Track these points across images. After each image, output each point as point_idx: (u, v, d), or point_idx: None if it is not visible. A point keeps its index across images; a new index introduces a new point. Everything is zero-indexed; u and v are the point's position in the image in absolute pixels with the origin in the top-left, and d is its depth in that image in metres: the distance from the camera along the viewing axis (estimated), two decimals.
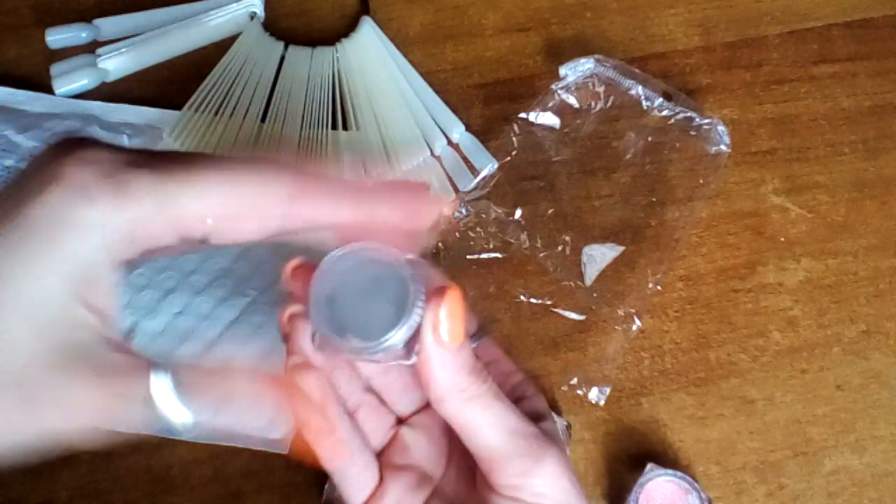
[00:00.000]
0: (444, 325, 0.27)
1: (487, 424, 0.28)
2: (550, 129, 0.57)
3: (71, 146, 0.22)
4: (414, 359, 0.28)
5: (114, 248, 0.22)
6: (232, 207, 0.23)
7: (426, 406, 0.33)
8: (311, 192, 0.25)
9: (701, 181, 0.56)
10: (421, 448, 0.32)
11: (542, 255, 0.53)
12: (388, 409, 0.33)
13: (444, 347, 0.27)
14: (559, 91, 0.57)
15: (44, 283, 0.21)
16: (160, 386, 0.23)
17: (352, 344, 0.27)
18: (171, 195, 0.22)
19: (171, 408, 0.24)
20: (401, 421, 0.33)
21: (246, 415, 0.26)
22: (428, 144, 0.57)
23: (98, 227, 0.21)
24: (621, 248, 0.54)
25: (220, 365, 0.26)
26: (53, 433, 0.23)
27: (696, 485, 0.46)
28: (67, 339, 0.22)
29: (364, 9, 0.63)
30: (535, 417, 0.30)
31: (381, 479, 0.31)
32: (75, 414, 0.23)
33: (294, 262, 0.28)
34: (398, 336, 0.27)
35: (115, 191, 0.21)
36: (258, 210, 0.24)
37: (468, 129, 0.58)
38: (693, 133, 0.56)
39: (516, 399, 0.31)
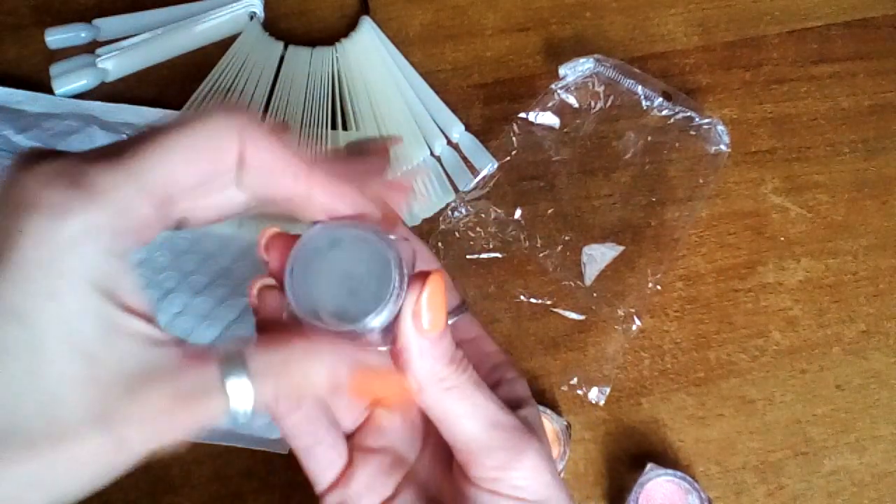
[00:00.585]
0: (424, 312, 0.26)
1: (466, 415, 0.27)
2: (550, 128, 0.57)
3: (26, 164, 0.21)
4: (390, 346, 0.27)
5: (112, 246, 0.21)
6: (195, 161, 0.22)
7: None
8: (263, 134, 0.23)
9: (701, 181, 0.56)
10: (395, 430, 0.31)
11: (542, 255, 0.53)
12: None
13: (424, 335, 0.26)
14: (559, 91, 0.57)
15: (71, 308, 0.20)
16: (236, 383, 0.22)
17: (325, 324, 0.25)
18: (135, 173, 0.21)
19: (245, 400, 0.23)
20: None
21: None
22: (428, 144, 0.57)
23: (87, 235, 0.20)
24: (621, 248, 0.54)
25: (299, 348, 0.25)
26: (142, 454, 0.22)
27: (696, 485, 0.46)
28: (122, 356, 0.21)
29: (364, 9, 0.63)
30: (516, 403, 0.30)
31: (352, 460, 0.30)
32: (159, 429, 0.22)
33: (271, 230, 0.27)
34: (376, 321, 0.26)
35: (86, 194, 0.20)
36: (215, 151, 0.23)
37: (468, 128, 0.58)
38: (693, 133, 0.56)
39: (496, 382, 0.30)
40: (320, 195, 0.25)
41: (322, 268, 0.26)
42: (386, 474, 0.30)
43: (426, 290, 0.26)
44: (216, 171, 0.23)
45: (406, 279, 0.26)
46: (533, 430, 0.28)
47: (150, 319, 0.22)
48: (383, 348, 0.27)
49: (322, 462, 0.30)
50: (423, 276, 0.26)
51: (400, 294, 0.26)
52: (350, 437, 0.31)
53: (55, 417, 0.20)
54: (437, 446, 0.30)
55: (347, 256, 0.26)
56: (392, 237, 0.26)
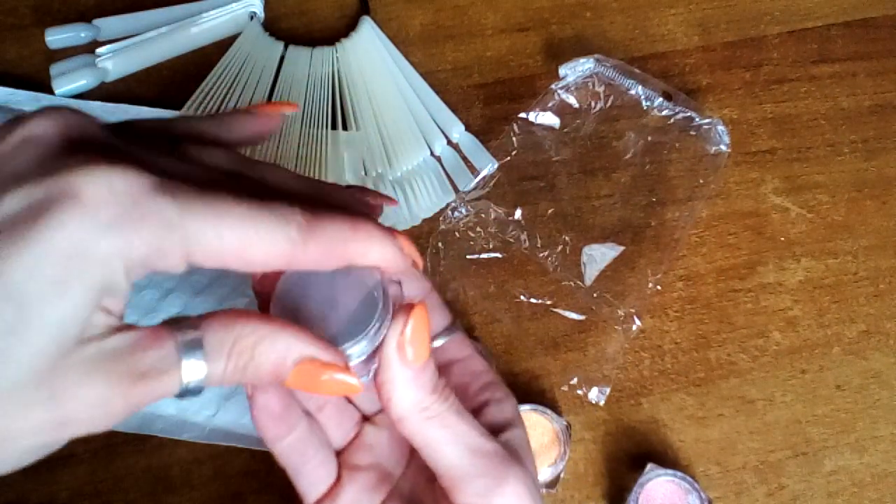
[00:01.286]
0: (408, 344, 0.26)
1: (447, 443, 0.27)
2: (550, 129, 0.57)
3: (81, 153, 0.22)
4: (369, 377, 0.27)
5: (132, 272, 0.22)
6: (244, 246, 0.23)
7: None
8: (319, 236, 0.24)
9: (701, 181, 0.56)
10: (382, 447, 0.32)
11: (542, 255, 0.53)
12: (353, 407, 0.33)
13: (408, 366, 0.27)
14: (559, 91, 0.57)
15: (71, 311, 0.21)
16: (191, 361, 0.23)
17: None
18: (190, 229, 0.22)
19: (198, 378, 0.23)
20: (366, 418, 0.33)
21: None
22: (428, 144, 0.57)
23: (118, 256, 0.21)
24: (621, 248, 0.54)
25: (250, 328, 0.25)
26: (83, 433, 0.22)
27: (696, 485, 0.46)
28: (86, 346, 0.22)
29: (364, 9, 0.63)
30: (502, 426, 0.30)
31: (340, 477, 0.31)
32: (108, 408, 0.22)
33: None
34: (356, 349, 0.26)
35: (139, 221, 0.21)
36: (268, 250, 0.24)
37: (468, 129, 0.58)
38: (693, 133, 0.56)
39: (484, 403, 0.31)
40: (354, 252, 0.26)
41: (308, 297, 0.27)
42: (372, 490, 0.31)
43: (410, 322, 0.26)
44: (253, 264, 0.24)
45: (390, 311, 0.27)
46: (517, 455, 0.29)
47: (109, 311, 0.23)
48: (363, 379, 0.27)
49: (311, 479, 0.31)
50: (408, 308, 0.27)
51: (382, 325, 0.27)
52: (340, 453, 0.32)
53: (8, 392, 0.21)
54: (421, 462, 0.30)
55: (334, 288, 0.27)
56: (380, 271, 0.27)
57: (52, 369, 0.21)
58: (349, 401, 0.32)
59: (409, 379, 0.27)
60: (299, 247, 0.24)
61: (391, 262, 0.26)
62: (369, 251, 0.26)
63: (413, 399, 0.27)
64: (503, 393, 0.31)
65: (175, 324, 0.24)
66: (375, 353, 0.27)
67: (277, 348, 0.25)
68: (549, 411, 0.48)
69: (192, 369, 0.23)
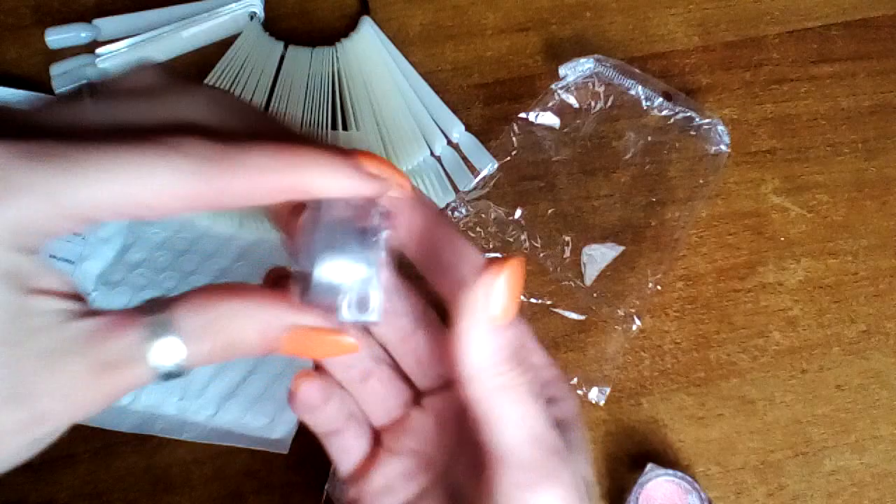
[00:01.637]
0: (499, 295, 0.23)
1: (513, 423, 0.25)
2: (550, 129, 0.57)
3: None
4: (370, 316, 0.24)
5: (15, 242, 0.21)
6: (129, 194, 0.21)
7: (444, 389, 0.30)
8: (233, 166, 0.21)
9: (701, 181, 0.56)
10: (427, 432, 0.29)
11: (542, 255, 0.53)
12: (402, 385, 0.30)
13: (492, 322, 0.24)
14: (559, 91, 0.57)
15: None
16: (164, 346, 0.22)
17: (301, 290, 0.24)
18: (59, 187, 0.20)
19: (173, 362, 0.22)
20: (417, 399, 0.30)
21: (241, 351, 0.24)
22: (428, 144, 0.57)
23: None
24: (621, 248, 0.54)
25: (226, 306, 0.23)
26: (67, 423, 0.22)
27: (696, 485, 0.46)
28: (35, 334, 0.21)
29: (364, 9, 0.63)
30: (563, 426, 0.27)
31: (376, 457, 0.29)
32: (81, 400, 0.22)
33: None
34: (345, 300, 0.24)
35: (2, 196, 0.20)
36: (169, 191, 0.21)
37: (468, 129, 0.58)
38: (693, 133, 0.56)
39: (546, 400, 0.27)
40: (313, 176, 0.23)
41: (313, 239, 0.24)
42: (410, 476, 0.29)
43: (504, 272, 0.24)
44: (154, 211, 0.21)
45: (378, 250, 0.24)
46: (573, 456, 0.26)
47: (70, 296, 0.22)
48: (374, 316, 0.24)
49: (343, 447, 0.29)
50: (503, 260, 0.24)
51: (371, 266, 0.24)
52: (380, 432, 0.30)
53: None
54: (468, 456, 0.28)
55: (333, 227, 0.24)
56: (380, 212, 0.25)
57: (4, 365, 0.20)
58: (399, 377, 0.30)
59: (490, 333, 0.24)
60: (208, 181, 0.21)
61: (348, 188, 0.23)
62: (311, 179, 0.23)
63: (490, 358, 0.24)
64: (565, 391, 0.29)
65: (147, 307, 0.23)
66: (368, 298, 0.24)
67: (259, 322, 0.23)
68: None
69: (167, 353, 0.22)
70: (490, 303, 0.24)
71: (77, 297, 0.22)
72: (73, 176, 0.20)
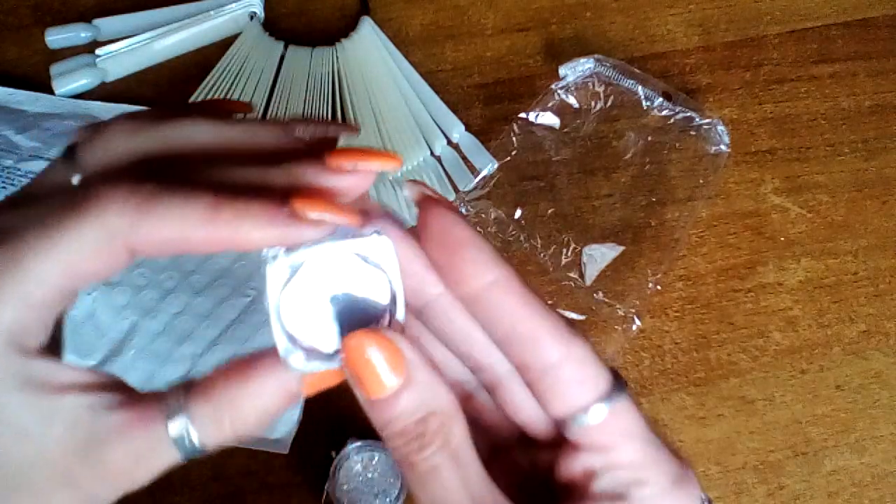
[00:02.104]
0: (354, 381, 0.23)
1: (421, 496, 0.23)
2: (550, 129, 0.57)
3: None
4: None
5: (16, 342, 0.22)
6: (72, 266, 0.22)
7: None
8: (153, 214, 0.22)
9: (701, 181, 0.56)
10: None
11: (542, 255, 0.53)
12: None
13: (369, 395, 0.23)
14: (559, 91, 0.57)
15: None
16: (182, 437, 0.23)
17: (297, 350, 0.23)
18: (13, 296, 0.21)
19: (195, 446, 0.24)
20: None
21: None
22: (428, 144, 0.57)
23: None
24: (621, 248, 0.54)
25: (238, 384, 0.24)
26: (110, 498, 0.24)
27: None
28: (68, 430, 0.23)
29: (364, 9, 0.63)
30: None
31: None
32: (121, 483, 0.23)
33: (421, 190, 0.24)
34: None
35: None
36: (100, 256, 0.22)
37: (468, 129, 0.58)
38: (693, 133, 0.56)
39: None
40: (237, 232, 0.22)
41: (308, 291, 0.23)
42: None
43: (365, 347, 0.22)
44: (101, 272, 0.22)
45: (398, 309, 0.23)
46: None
47: (96, 388, 0.23)
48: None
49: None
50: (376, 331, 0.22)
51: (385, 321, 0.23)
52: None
53: (26, 486, 0.22)
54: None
55: (332, 274, 0.23)
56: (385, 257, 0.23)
57: (43, 457, 0.22)
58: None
59: (373, 406, 0.23)
60: (130, 236, 0.22)
61: (277, 239, 0.22)
62: (242, 235, 0.22)
63: (383, 431, 0.23)
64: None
65: (165, 398, 0.23)
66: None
67: (278, 389, 0.24)
68: None
69: (189, 445, 0.24)
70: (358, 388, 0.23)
71: (104, 386, 0.23)
72: (22, 279, 0.21)
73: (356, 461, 0.47)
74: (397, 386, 0.22)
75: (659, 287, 0.53)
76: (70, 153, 0.24)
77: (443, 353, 0.26)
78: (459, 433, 0.23)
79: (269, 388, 0.24)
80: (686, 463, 0.24)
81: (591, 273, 0.53)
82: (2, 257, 0.22)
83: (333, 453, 0.47)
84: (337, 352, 0.23)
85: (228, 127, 0.25)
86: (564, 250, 0.54)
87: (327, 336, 0.23)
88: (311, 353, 0.23)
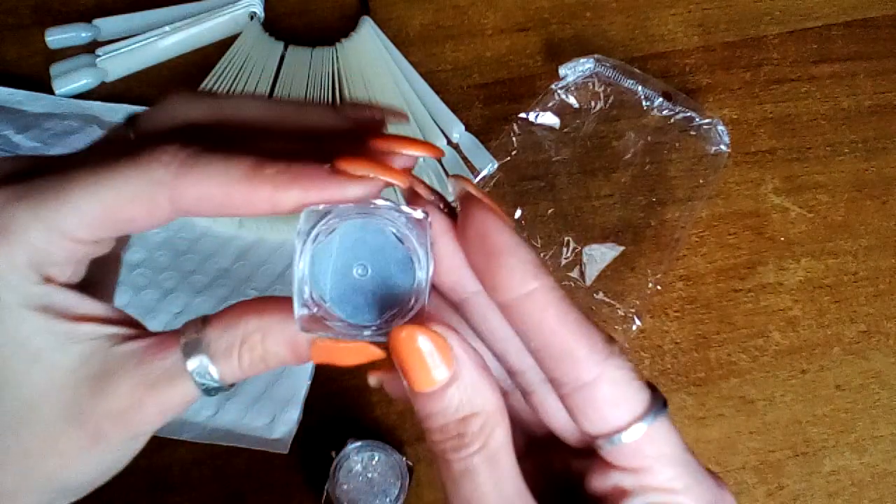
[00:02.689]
0: (401, 367, 0.22)
1: (454, 494, 0.22)
2: (550, 129, 0.57)
3: None
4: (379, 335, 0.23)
5: (39, 275, 0.22)
6: (113, 207, 0.22)
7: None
8: (198, 168, 0.22)
9: (701, 181, 0.56)
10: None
11: (542, 255, 0.53)
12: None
13: (413, 393, 0.23)
14: (559, 91, 0.57)
15: (16, 329, 0.22)
16: (199, 365, 0.23)
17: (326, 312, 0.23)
18: (48, 221, 0.22)
19: (211, 380, 0.23)
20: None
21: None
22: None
23: (12, 271, 0.22)
24: (621, 248, 0.54)
25: (254, 323, 0.23)
26: (123, 442, 0.24)
27: None
28: (83, 359, 0.23)
29: (364, 9, 0.63)
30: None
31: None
32: (132, 419, 0.23)
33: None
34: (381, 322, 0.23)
35: (2, 237, 0.22)
36: (141, 202, 0.22)
37: (468, 129, 0.58)
38: (693, 133, 0.56)
39: None
40: (277, 193, 0.22)
41: (335, 253, 0.23)
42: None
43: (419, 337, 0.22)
44: (139, 220, 0.23)
45: (411, 258, 0.23)
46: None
47: (115, 322, 0.23)
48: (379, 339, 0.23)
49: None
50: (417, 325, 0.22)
51: (415, 300, 0.23)
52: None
53: (34, 420, 0.22)
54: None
55: (363, 244, 0.23)
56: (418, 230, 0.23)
57: (53, 388, 0.22)
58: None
59: (417, 401, 0.22)
60: (174, 187, 0.22)
61: (321, 198, 0.22)
62: (283, 192, 0.22)
63: (426, 427, 0.23)
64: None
65: (184, 328, 0.24)
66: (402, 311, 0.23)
67: (287, 336, 0.23)
68: None
69: (204, 373, 0.23)
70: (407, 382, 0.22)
71: (124, 322, 0.24)
72: (62, 205, 0.22)
73: (356, 461, 0.47)
74: (444, 381, 0.22)
75: (659, 287, 0.53)
76: (131, 120, 0.25)
77: (481, 349, 0.25)
78: (500, 436, 0.22)
79: (280, 333, 0.23)
80: (722, 484, 0.23)
81: (591, 273, 0.53)
82: (49, 187, 0.22)
83: (333, 453, 0.47)
84: (354, 325, 0.23)
85: (279, 104, 0.26)
86: (564, 250, 0.54)
87: (348, 304, 0.23)
88: (327, 318, 0.23)
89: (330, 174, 0.22)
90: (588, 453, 0.24)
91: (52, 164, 0.23)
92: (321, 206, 0.22)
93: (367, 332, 0.23)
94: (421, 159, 0.57)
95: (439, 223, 0.23)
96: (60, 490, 0.24)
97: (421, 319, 0.22)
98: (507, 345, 0.24)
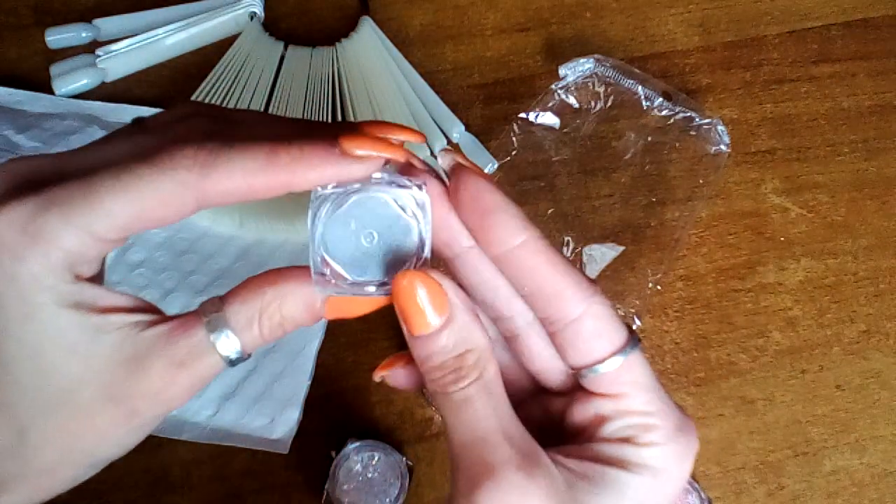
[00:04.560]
0: (403, 310, 0.25)
1: (455, 426, 0.25)
2: (550, 129, 0.57)
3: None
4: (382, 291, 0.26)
5: (69, 274, 0.24)
6: (143, 210, 0.24)
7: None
8: (219, 166, 0.24)
9: (701, 181, 0.56)
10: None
11: None
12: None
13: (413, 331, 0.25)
14: (559, 91, 0.57)
15: (49, 325, 0.24)
16: (223, 339, 0.25)
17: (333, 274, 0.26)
18: (80, 226, 0.23)
19: (234, 351, 0.25)
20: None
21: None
22: (428, 144, 0.57)
23: (46, 272, 0.24)
24: (621, 248, 0.54)
25: (270, 293, 0.25)
26: (155, 417, 0.26)
27: (695, 485, 0.46)
28: (115, 347, 0.24)
29: (364, 9, 0.63)
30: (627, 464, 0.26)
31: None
32: (165, 395, 0.25)
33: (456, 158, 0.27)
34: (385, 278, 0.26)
35: (33, 242, 0.23)
36: (170, 203, 0.24)
37: (468, 129, 0.58)
38: (693, 133, 0.56)
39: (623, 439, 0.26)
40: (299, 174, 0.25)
41: (344, 217, 0.26)
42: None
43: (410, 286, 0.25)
44: (167, 219, 0.24)
45: (426, 243, 0.26)
46: (546, 462, 0.24)
47: (139, 310, 0.25)
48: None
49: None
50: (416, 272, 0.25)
51: (417, 257, 0.26)
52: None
53: (74, 403, 0.24)
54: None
55: (370, 213, 0.26)
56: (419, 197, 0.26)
57: (90, 373, 0.24)
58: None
59: (417, 341, 0.25)
60: (199, 187, 0.24)
61: (333, 177, 0.25)
62: (295, 176, 0.24)
63: (425, 365, 0.25)
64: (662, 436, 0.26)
65: (203, 307, 0.26)
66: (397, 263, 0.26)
67: (302, 300, 0.26)
68: None
69: (228, 345, 0.25)
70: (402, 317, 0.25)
71: (146, 309, 0.26)
72: (93, 210, 0.23)
73: (356, 461, 0.47)
74: (440, 324, 0.25)
75: (659, 287, 0.53)
76: (138, 120, 0.27)
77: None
78: (492, 370, 0.25)
79: (296, 297, 0.26)
80: (686, 414, 0.26)
81: (591, 273, 0.53)
82: (77, 189, 0.23)
83: (333, 453, 0.47)
84: (362, 282, 0.26)
85: (288, 126, 0.27)
86: (564, 250, 0.54)
87: (357, 266, 0.26)
88: (339, 278, 0.26)
89: (338, 156, 0.25)
90: (565, 394, 0.27)
91: (72, 166, 0.25)
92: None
93: (375, 289, 0.26)
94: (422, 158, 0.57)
95: (433, 189, 0.26)
96: (92, 464, 0.26)
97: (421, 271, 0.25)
98: (496, 293, 0.27)
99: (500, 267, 0.26)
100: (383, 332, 0.52)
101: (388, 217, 0.26)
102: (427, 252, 0.26)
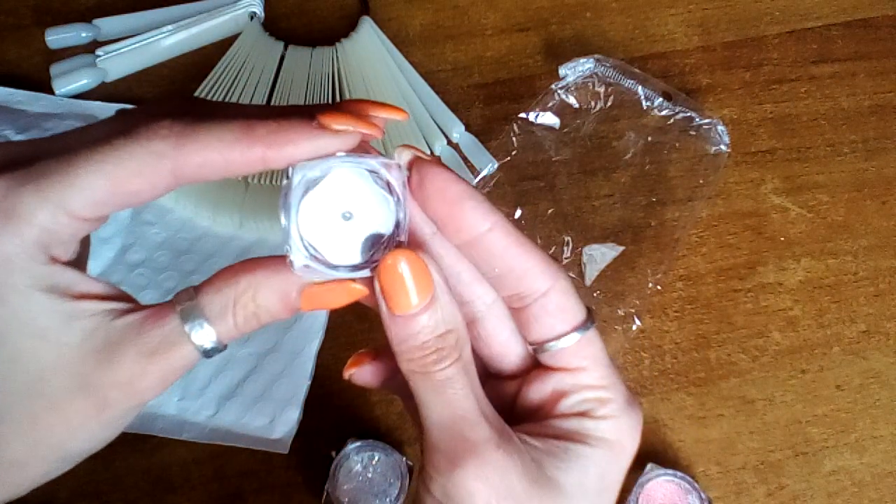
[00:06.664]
0: (382, 292, 0.25)
1: (429, 405, 0.25)
2: (550, 129, 0.57)
3: None
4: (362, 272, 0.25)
5: (45, 255, 0.23)
6: (118, 182, 0.23)
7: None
8: (196, 136, 0.23)
9: (701, 181, 0.56)
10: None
11: None
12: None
13: (393, 311, 0.25)
14: (559, 91, 0.57)
15: (23, 308, 0.23)
16: (197, 328, 0.25)
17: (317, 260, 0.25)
18: (55, 201, 0.23)
19: (209, 341, 0.25)
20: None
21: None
22: (428, 144, 0.57)
23: (21, 252, 0.23)
24: (621, 248, 0.54)
25: (244, 282, 0.25)
26: (128, 410, 0.25)
27: (695, 485, 0.46)
28: (86, 334, 0.24)
29: (364, 9, 0.63)
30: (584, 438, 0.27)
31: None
32: (137, 386, 0.24)
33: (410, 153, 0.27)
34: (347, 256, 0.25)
35: (9, 219, 0.23)
36: (145, 174, 0.23)
37: (468, 129, 0.58)
38: (693, 133, 0.56)
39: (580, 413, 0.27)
40: (271, 153, 0.24)
41: (319, 201, 0.25)
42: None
43: (398, 261, 0.24)
44: (142, 193, 0.24)
45: (405, 216, 0.25)
46: (516, 442, 0.25)
47: (113, 298, 0.25)
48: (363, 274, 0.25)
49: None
50: (398, 248, 0.25)
51: (396, 235, 0.25)
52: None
53: (43, 393, 0.24)
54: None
55: (347, 192, 0.25)
56: (392, 174, 0.25)
57: (61, 361, 0.24)
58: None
59: (394, 321, 0.25)
60: (175, 157, 0.23)
61: (310, 152, 0.24)
62: (272, 151, 0.24)
63: (401, 345, 0.25)
64: (618, 409, 0.27)
65: (178, 297, 0.25)
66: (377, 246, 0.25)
67: (277, 290, 0.25)
68: None
69: (202, 335, 0.25)
70: (383, 298, 0.25)
71: (120, 297, 0.25)
72: (69, 185, 0.23)
73: (356, 461, 0.47)
74: (425, 302, 0.25)
75: (659, 287, 0.53)
76: (121, 112, 0.26)
77: None
78: (468, 350, 0.26)
79: (270, 287, 0.25)
80: (634, 396, 0.28)
81: (591, 273, 0.53)
82: (52, 169, 0.23)
83: (333, 453, 0.47)
84: (341, 265, 0.25)
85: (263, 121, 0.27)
86: (564, 250, 0.54)
87: (334, 248, 0.25)
88: (317, 261, 0.25)
89: (316, 129, 0.24)
90: (517, 377, 0.29)
91: (49, 148, 0.24)
92: (306, 161, 0.24)
93: (355, 271, 0.25)
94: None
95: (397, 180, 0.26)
96: (63, 458, 0.25)
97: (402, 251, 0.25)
98: (458, 279, 0.27)
99: (468, 252, 0.27)
100: (383, 332, 0.52)
101: (365, 195, 0.25)
102: (405, 231, 0.25)
